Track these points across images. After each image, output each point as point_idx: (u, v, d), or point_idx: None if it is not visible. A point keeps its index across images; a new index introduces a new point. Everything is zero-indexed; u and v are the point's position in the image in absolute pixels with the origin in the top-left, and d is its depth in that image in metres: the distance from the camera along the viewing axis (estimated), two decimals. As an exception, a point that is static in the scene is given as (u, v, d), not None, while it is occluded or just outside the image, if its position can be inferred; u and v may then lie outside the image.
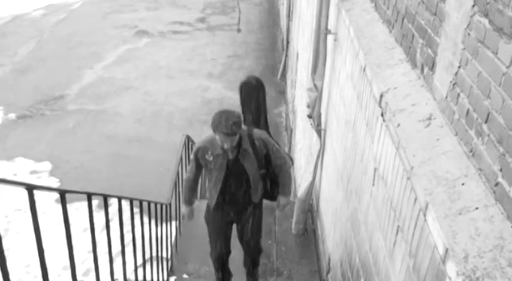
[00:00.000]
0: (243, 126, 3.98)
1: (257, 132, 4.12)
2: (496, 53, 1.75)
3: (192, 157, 4.13)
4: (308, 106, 5.01)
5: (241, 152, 3.97)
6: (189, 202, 4.42)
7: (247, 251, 4.58)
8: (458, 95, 2.07)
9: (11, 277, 1.84)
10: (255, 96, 4.66)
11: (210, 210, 4.31)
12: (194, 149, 4.08)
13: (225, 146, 3.78)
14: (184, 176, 4.46)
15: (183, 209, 4.51)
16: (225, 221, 4.34)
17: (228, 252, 4.55)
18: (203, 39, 14.62)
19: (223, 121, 3.69)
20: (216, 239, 4.43)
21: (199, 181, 4.51)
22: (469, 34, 1.99)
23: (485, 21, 1.84)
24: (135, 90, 11.70)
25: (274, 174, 4.26)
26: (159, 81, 12.11)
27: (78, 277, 2.65)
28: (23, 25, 15.63)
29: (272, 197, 4.42)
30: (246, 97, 4.65)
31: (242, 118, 4.02)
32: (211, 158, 3.98)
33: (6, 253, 1.82)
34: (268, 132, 4.54)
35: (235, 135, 3.75)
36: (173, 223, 5.40)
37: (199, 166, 4.13)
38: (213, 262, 4.59)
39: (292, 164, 4.62)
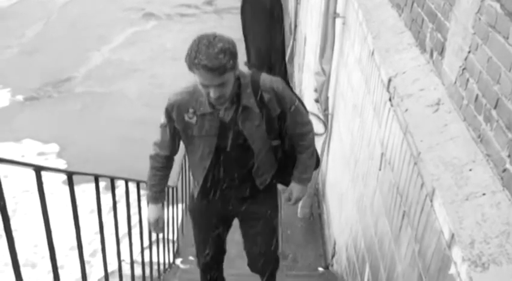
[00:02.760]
0: (245, 70, 2.60)
1: (266, 78, 2.55)
2: (507, 38, 1.73)
3: (162, 119, 2.62)
4: (315, 90, 5.00)
5: (240, 110, 2.49)
6: (157, 197, 2.86)
7: (255, 263, 3.10)
8: (468, 80, 2.06)
9: (19, 257, 1.86)
10: (265, 19, 3.01)
11: (194, 198, 2.92)
12: (166, 105, 2.57)
13: (211, 94, 2.30)
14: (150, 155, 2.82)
15: (149, 210, 2.92)
16: (218, 214, 2.91)
17: (222, 253, 3.19)
18: (210, 22, 14.54)
19: (202, 47, 2.21)
20: (204, 241, 3.03)
21: (179, 160, 3.01)
22: (479, 19, 1.97)
23: (497, 5, 1.82)
24: (142, 73, 11.69)
25: (290, 148, 2.77)
26: (165, 64, 12.09)
27: (86, 257, 2.67)
28: (30, 6, 15.59)
29: (286, 179, 2.94)
30: (250, 21, 3.04)
31: (241, 54, 2.48)
32: (193, 120, 2.52)
33: (14, 234, 1.83)
34: (287, 83, 3.00)
35: (224, 73, 2.25)
36: (179, 205, 5.43)
37: (175, 134, 2.64)
38: (200, 270, 3.25)
39: (326, 129, 3.13)
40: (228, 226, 3.05)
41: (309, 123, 2.75)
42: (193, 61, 2.22)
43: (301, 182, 2.91)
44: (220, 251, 3.12)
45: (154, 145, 2.72)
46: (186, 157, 2.84)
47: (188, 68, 2.28)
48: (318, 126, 2.80)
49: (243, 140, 2.55)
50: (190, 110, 2.50)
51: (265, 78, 2.55)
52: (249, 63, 3.05)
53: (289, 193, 2.95)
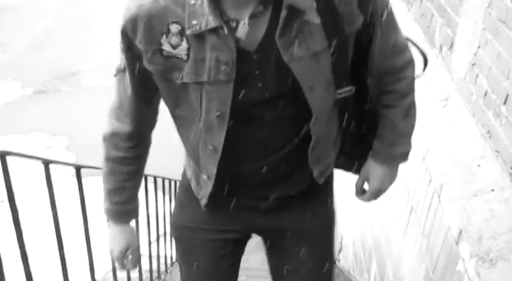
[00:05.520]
0: None
1: None
2: (517, 33, 1.72)
3: (119, 59, 1.27)
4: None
5: (283, 19, 1.11)
6: (121, 211, 1.54)
7: None
8: (477, 75, 2.05)
9: (27, 248, 1.87)
10: None
11: (186, 217, 1.56)
12: (121, 24, 1.17)
13: None
14: None
15: (110, 233, 1.61)
16: (231, 236, 1.53)
17: None
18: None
19: None
20: None
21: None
22: (490, 13, 1.96)
23: (508, 0, 1.81)
24: (150, 67, 11.71)
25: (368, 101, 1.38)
26: (174, 58, 12.11)
27: (93, 250, 2.69)
28: (39, 0, 15.64)
29: (355, 162, 1.56)
30: None
31: None
32: (181, 49, 1.15)
33: (22, 226, 1.85)
34: None
35: None
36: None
37: (144, 84, 1.26)
38: None
39: (426, 64, 1.56)
40: (240, 252, 1.63)
41: (407, 47, 1.39)
42: None
43: (390, 161, 1.51)
44: None
45: (110, 113, 1.42)
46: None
47: None
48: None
49: (290, 86, 1.18)
50: (174, 27, 1.14)
51: None
52: None
53: (363, 179, 1.57)
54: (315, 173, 1.39)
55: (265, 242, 1.60)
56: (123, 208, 1.53)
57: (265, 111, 1.24)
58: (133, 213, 1.56)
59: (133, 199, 1.53)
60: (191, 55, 1.16)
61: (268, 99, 1.21)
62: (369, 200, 1.61)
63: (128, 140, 1.40)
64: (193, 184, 1.48)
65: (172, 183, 4.62)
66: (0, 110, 9.82)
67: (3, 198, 1.73)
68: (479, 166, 1.86)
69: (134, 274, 3.46)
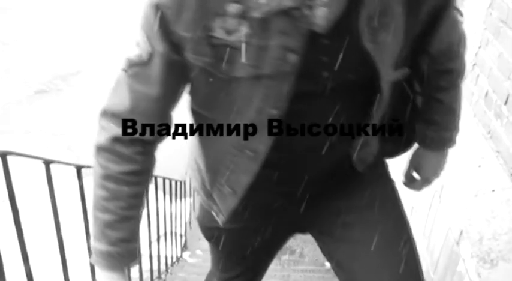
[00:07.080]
0: None
1: None
2: (518, 34, 1.72)
3: (138, 46, 0.98)
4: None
5: None
6: (120, 253, 1.13)
7: None
8: (478, 76, 2.04)
9: (27, 249, 1.87)
10: None
11: (217, 219, 1.27)
12: (157, 2, 0.89)
13: None
14: None
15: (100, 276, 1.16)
16: (272, 236, 1.34)
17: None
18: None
19: None
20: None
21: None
22: (490, 14, 1.96)
23: (509, 0, 1.81)
24: (151, 67, 11.70)
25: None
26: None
27: (94, 250, 2.69)
28: None
29: (400, 148, 1.36)
30: None
31: None
32: (238, 35, 0.89)
33: (23, 226, 1.85)
34: None
35: None
36: (187, 199, 5.45)
37: (178, 78, 1.00)
38: None
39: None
40: (281, 243, 1.56)
41: (464, 34, 1.26)
42: None
43: (443, 146, 1.40)
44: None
45: (106, 119, 1.15)
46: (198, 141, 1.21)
47: None
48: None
49: (362, 73, 1.01)
50: (232, 8, 0.88)
51: None
52: None
53: (413, 168, 1.47)
54: (354, 157, 1.20)
55: (319, 241, 1.37)
56: (125, 247, 1.13)
57: (322, 103, 1.03)
58: (135, 256, 1.17)
59: (137, 235, 1.17)
60: (251, 43, 0.91)
61: (331, 88, 1.00)
62: (420, 188, 1.51)
63: (134, 144, 1.07)
64: (202, 198, 1.29)
65: (173, 183, 4.63)
66: (1, 109, 9.82)
67: (4, 197, 1.73)
68: (480, 166, 1.85)
69: (135, 274, 3.46)
